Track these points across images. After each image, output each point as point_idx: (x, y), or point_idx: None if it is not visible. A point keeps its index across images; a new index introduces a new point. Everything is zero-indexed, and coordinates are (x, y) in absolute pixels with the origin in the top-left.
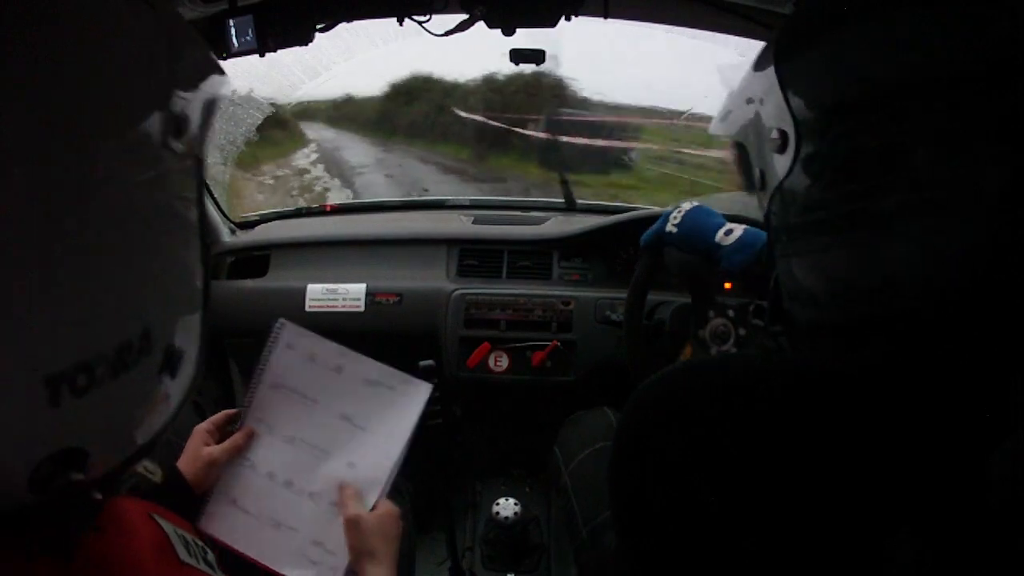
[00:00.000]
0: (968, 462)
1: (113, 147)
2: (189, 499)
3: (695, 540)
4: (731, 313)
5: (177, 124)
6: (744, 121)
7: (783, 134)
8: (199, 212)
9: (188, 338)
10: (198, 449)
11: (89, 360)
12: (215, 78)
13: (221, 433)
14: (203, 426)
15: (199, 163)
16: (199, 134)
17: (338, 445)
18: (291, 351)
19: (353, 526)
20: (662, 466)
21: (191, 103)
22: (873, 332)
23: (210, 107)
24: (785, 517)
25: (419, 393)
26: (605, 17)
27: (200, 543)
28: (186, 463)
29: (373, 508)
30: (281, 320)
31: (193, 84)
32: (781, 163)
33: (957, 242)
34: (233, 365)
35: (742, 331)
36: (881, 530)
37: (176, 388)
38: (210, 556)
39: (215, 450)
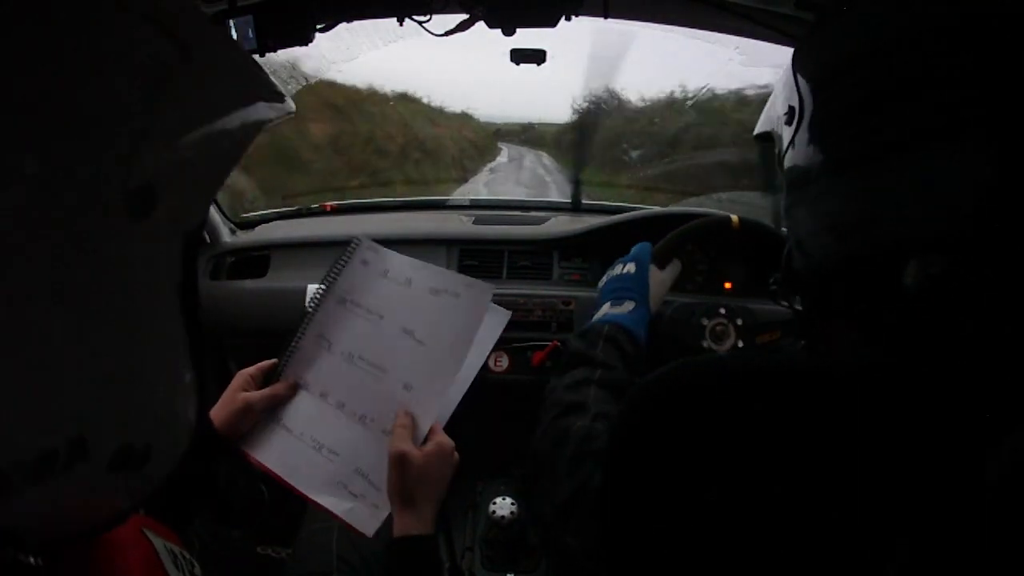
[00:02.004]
0: (966, 461)
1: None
2: (215, 445)
3: (692, 540)
4: (740, 322)
5: (137, 202)
6: (774, 115)
7: (791, 108)
8: (184, 296)
9: (162, 432)
10: (235, 393)
11: None
12: (232, 109)
13: (266, 380)
14: (247, 371)
15: (191, 238)
16: (184, 207)
17: (396, 363)
18: (365, 267)
19: (397, 463)
20: (657, 465)
21: (168, 167)
22: (879, 260)
23: (214, 161)
24: (784, 518)
25: (483, 299)
26: (605, 17)
27: (188, 556)
28: (220, 408)
29: (426, 440)
30: (359, 237)
31: (178, 135)
32: (788, 133)
33: (957, 170)
34: (233, 366)
35: (740, 343)
36: (881, 531)
37: (148, 475)
38: (197, 569)
39: (253, 395)
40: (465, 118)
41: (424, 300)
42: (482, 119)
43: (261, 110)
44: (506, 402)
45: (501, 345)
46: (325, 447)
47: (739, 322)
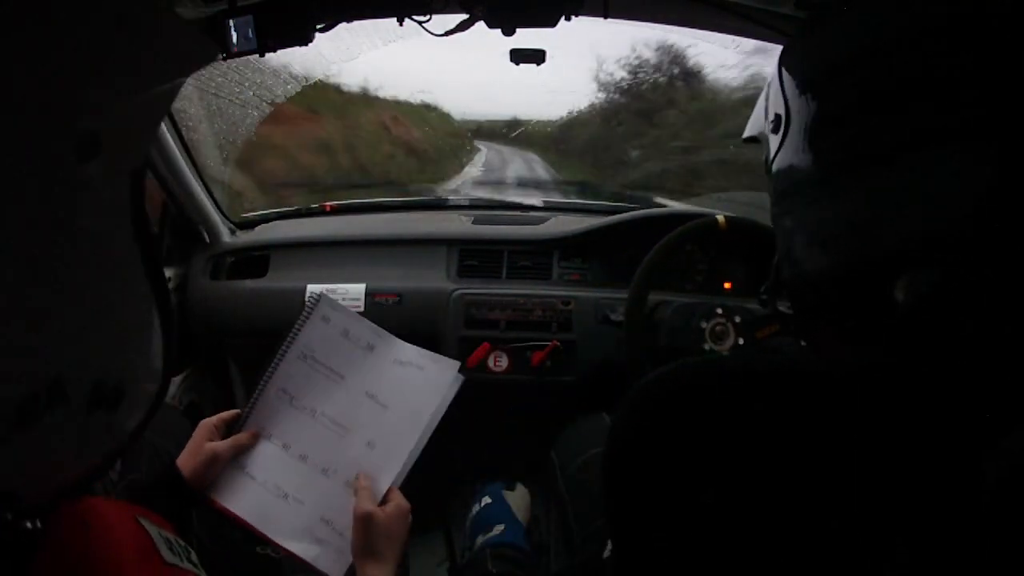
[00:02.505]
0: (965, 463)
1: None
2: (184, 496)
3: (688, 542)
4: (738, 320)
5: (83, 147)
6: (760, 120)
7: (777, 116)
8: (140, 237)
9: (131, 369)
10: (200, 444)
11: None
12: (168, 61)
13: (229, 429)
14: (210, 420)
15: (136, 178)
16: (128, 149)
17: (359, 423)
18: (325, 324)
19: (363, 523)
20: (655, 465)
21: (114, 111)
22: (868, 272)
23: (152, 108)
24: (781, 519)
25: (446, 373)
26: (605, 17)
27: (183, 543)
28: (187, 457)
29: (385, 498)
30: (320, 292)
31: (122, 83)
32: (776, 141)
33: (957, 171)
34: (232, 365)
35: (741, 341)
36: (879, 533)
37: (123, 417)
38: (193, 556)
39: (219, 446)
40: (420, 111)
41: (387, 368)
42: (456, 115)
43: (195, 59)
44: (505, 402)
45: (501, 345)
46: (291, 497)
47: (737, 320)
